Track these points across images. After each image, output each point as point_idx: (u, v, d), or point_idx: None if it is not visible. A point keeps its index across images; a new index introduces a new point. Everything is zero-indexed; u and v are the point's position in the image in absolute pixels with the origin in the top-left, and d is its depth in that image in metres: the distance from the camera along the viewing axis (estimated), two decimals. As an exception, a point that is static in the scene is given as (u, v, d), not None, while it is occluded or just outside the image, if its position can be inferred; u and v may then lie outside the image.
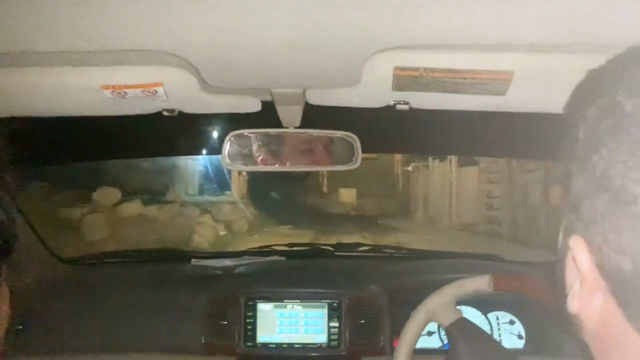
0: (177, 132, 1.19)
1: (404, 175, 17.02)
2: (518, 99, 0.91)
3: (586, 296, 0.47)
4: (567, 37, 0.73)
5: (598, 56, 0.79)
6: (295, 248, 2.06)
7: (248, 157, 1.03)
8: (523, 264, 1.72)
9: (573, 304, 0.49)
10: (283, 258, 1.83)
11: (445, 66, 0.83)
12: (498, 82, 0.85)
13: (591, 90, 0.47)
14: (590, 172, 0.43)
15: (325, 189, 16.67)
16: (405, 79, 0.87)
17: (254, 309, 1.49)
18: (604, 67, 0.48)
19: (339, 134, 1.08)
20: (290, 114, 1.03)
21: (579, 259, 0.46)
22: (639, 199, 0.39)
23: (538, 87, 0.87)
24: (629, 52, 0.47)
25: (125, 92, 0.89)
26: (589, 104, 0.45)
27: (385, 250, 2.03)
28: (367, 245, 2.09)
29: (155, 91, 0.89)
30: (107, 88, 0.88)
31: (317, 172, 13.67)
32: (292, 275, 1.64)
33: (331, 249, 2.06)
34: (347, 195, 16.24)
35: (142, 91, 0.89)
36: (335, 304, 1.48)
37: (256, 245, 2.05)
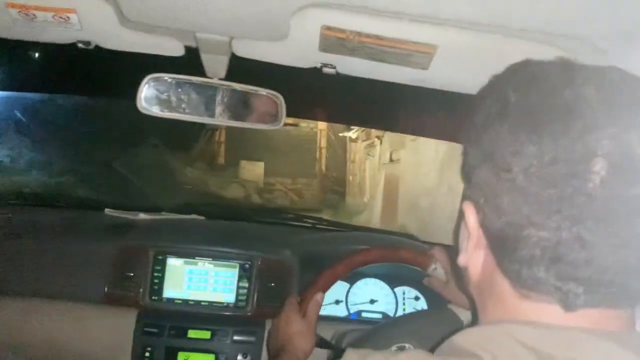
0: (92, 68, 1.12)
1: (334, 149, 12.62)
2: (440, 75, 0.92)
3: (471, 250, 0.57)
4: (488, 16, 0.74)
5: (517, 40, 0.82)
6: (215, 209, 2.04)
7: (165, 103, 0.99)
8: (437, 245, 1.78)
9: (462, 258, 0.59)
10: (202, 217, 1.80)
11: (372, 32, 0.83)
12: (422, 55, 0.86)
13: (489, 85, 0.59)
14: (480, 147, 0.54)
15: (221, 159, 12.64)
16: (332, 40, 0.86)
17: (162, 262, 1.46)
18: (502, 72, 0.59)
19: (264, 91, 1.06)
20: (215, 64, 1.00)
21: (468, 220, 0.57)
22: (513, 167, 0.49)
23: (459, 65, 0.89)
24: (521, 61, 0.58)
25: (34, 14, 0.82)
26: (486, 95, 0.57)
27: (307, 220, 2.05)
28: (290, 212, 2.10)
29: (68, 17, 0.83)
30: (13, 7, 0.81)
31: (212, 138, 11.93)
32: (207, 234, 1.62)
33: (252, 212, 2.06)
34: (251, 171, 12.25)
35: (53, 15, 0.83)
36: (247, 265, 1.48)
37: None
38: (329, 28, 0.83)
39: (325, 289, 1.26)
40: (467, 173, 0.57)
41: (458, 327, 1.09)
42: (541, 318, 0.52)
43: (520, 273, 0.51)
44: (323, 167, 12.43)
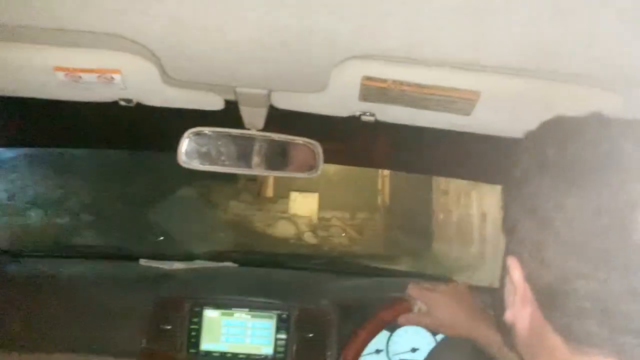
0: (133, 124, 1.14)
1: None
2: (483, 120, 0.91)
3: (518, 307, 0.56)
4: (533, 62, 0.73)
5: (561, 84, 0.80)
6: (248, 256, 2.02)
7: (206, 157, 1.00)
8: (477, 288, 1.72)
9: (508, 315, 0.58)
10: (236, 265, 1.78)
11: (413, 80, 0.82)
12: (464, 102, 0.84)
13: (526, 141, 0.59)
14: (521, 201, 0.55)
15: (267, 192, 10.82)
16: (372, 90, 0.85)
17: (199, 315, 1.44)
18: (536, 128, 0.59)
19: (301, 140, 1.06)
20: (254, 116, 1.00)
21: (513, 275, 0.56)
22: (555, 220, 0.49)
23: (502, 110, 0.87)
24: (554, 117, 0.59)
25: (79, 76, 0.84)
26: (522, 150, 0.58)
27: (340, 265, 2.02)
28: (323, 257, 2.07)
29: (112, 78, 0.85)
30: (60, 70, 0.83)
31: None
32: (242, 283, 1.60)
33: (285, 259, 2.03)
34: (304, 204, 10.19)
35: (98, 77, 0.85)
36: (284, 316, 1.45)
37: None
38: (369, 78, 0.82)
39: None
40: (509, 227, 0.58)
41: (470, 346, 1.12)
42: None
43: (570, 327, 0.50)
44: (387, 199, 9.95)
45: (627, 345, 0.47)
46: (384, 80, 0.82)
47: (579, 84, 0.78)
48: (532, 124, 0.92)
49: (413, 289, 1.23)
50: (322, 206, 9.90)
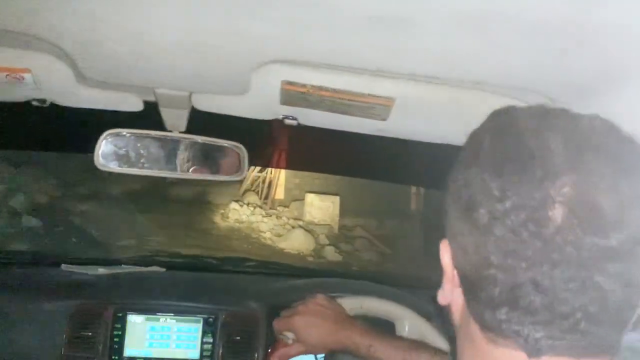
0: (47, 125, 1.09)
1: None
2: (399, 125, 0.94)
3: (448, 290, 0.58)
4: (443, 71, 0.76)
5: (472, 91, 0.85)
6: (176, 260, 1.98)
7: (124, 159, 0.97)
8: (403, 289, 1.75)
9: (440, 296, 0.59)
10: (163, 269, 1.74)
11: (332, 86, 0.84)
12: (380, 107, 0.87)
13: (474, 132, 0.58)
14: (453, 188, 0.55)
15: (278, 193, 8.85)
16: (292, 95, 0.87)
17: (122, 320, 1.40)
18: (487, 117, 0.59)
19: (225, 143, 1.05)
20: (175, 118, 0.99)
21: (443, 258, 0.58)
22: (478, 209, 0.50)
23: (417, 115, 0.91)
24: (503, 107, 0.58)
25: None
26: (469, 140, 0.58)
27: (272, 267, 2.01)
28: (255, 260, 2.06)
29: (23, 77, 0.81)
30: None
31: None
32: (168, 287, 1.57)
33: (215, 262, 2.01)
34: (322, 209, 8.01)
35: (6, 76, 0.81)
36: (211, 319, 1.43)
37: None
38: (289, 83, 0.83)
39: None
40: (444, 212, 0.58)
41: None
42: None
43: (483, 315, 0.52)
44: (422, 203, 7.92)
45: (531, 337, 0.49)
46: (304, 85, 0.84)
47: (485, 91, 0.83)
48: (445, 129, 0.97)
49: (276, 324, 1.21)
50: (343, 212, 8.12)
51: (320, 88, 0.84)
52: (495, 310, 0.50)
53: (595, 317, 0.47)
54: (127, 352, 1.39)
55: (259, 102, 0.91)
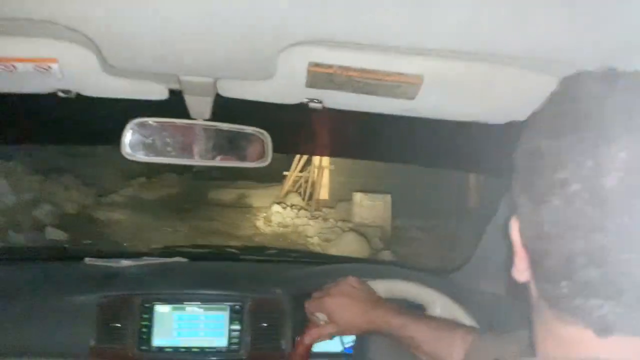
0: (73, 116, 1.10)
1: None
2: (427, 104, 0.93)
3: (520, 267, 0.56)
4: (472, 45, 0.75)
5: (504, 67, 0.83)
6: (199, 250, 1.99)
7: (151, 148, 0.97)
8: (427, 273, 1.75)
9: (513, 272, 0.58)
10: (186, 260, 1.76)
11: (358, 65, 0.83)
12: (408, 86, 0.86)
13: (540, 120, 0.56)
14: (521, 175, 0.54)
15: (322, 193, 8.17)
16: (319, 76, 0.86)
17: (150, 311, 1.41)
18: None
19: (249, 129, 1.05)
20: (200, 105, 0.99)
21: (513, 235, 0.57)
22: (533, 176, 0.50)
23: (445, 93, 0.90)
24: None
25: (14, 66, 0.80)
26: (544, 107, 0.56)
27: (292, 254, 2.02)
28: (274, 248, 2.07)
29: (50, 67, 0.81)
30: None
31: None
32: (193, 277, 1.58)
33: (237, 251, 2.02)
34: (371, 209, 7.37)
35: (34, 66, 0.81)
36: (237, 307, 1.44)
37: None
38: (316, 64, 0.83)
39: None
40: (515, 190, 0.57)
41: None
42: (578, 346, 0.50)
43: (547, 291, 0.51)
44: (478, 199, 7.10)
45: (595, 312, 0.47)
46: (330, 66, 0.83)
47: (516, 67, 0.81)
48: (474, 107, 0.95)
49: (308, 305, 1.23)
50: (395, 211, 7.43)
51: (347, 68, 0.83)
52: (556, 284, 0.49)
53: None
54: (156, 341, 1.41)
55: (284, 86, 0.91)
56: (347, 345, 1.55)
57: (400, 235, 7.38)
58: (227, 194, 8.48)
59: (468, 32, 0.72)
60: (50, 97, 0.93)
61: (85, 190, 8.11)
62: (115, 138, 0.98)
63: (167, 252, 1.82)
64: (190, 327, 1.43)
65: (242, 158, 1.08)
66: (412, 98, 0.90)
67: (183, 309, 1.43)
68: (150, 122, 0.97)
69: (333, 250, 6.50)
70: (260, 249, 1.97)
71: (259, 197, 8.48)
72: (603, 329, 0.48)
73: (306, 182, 8.70)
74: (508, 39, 0.72)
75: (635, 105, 0.47)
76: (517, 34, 0.70)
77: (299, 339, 1.26)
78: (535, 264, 0.53)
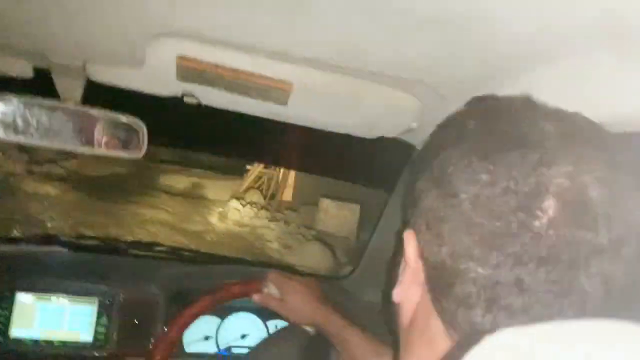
0: None
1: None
2: (299, 111, 0.95)
3: (407, 284, 0.53)
4: (342, 58, 0.77)
5: (370, 83, 0.87)
6: (82, 242, 1.90)
7: (11, 127, 0.92)
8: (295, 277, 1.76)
9: (396, 292, 0.55)
10: (65, 250, 1.67)
11: (229, 65, 0.84)
12: (279, 91, 0.88)
13: (449, 117, 0.58)
14: (430, 172, 0.51)
15: (285, 194, 7.77)
16: (189, 70, 0.86)
17: (10, 299, 1.33)
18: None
19: (124, 118, 1.02)
20: (69, 88, 0.95)
21: (407, 249, 0.53)
22: (461, 193, 0.46)
23: (316, 103, 0.92)
24: (484, 95, 0.58)
25: None
26: (443, 124, 0.58)
27: (181, 253, 1.98)
28: (165, 245, 2.01)
29: None
30: None
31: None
32: (65, 267, 1.50)
33: (124, 246, 1.95)
34: (338, 218, 6.93)
35: None
36: (107, 302, 1.39)
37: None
38: (185, 58, 0.82)
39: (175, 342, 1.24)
40: (413, 199, 0.54)
41: (307, 339, 1.20)
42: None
43: (456, 315, 0.47)
44: None
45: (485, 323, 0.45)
46: (200, 62, 0.83)
47: (384, 84, 0.85)
48: (344, 119, 0.99)
49: (273, 274, 1.26)
50: (362, 223, 6.84)
51: (217, 66, 0.84)
52: (472, 309, 0.45)
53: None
54: (14, 332, 1.32)
55: (155, 76, 0.90)
56: (222, 348, 1.55)
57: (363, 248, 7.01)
58: (180, 181, 7.63)
59: (336, 45, 0.74)
60: None
61: (15, 156, 7.09)
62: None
63: (46, 239, 1.72)
64: (53, 319, 1.35)
65: (115, 147, 1.04)
66: (284, 104, 0.92)
67: (48, 299, 1.36)
68: (12, 98, 0.92)
69: (293, 259, 5.87)
70: (150, 245, 1.91)
71: (215, 189, 7.67)
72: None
73: (270, 179, 8.06)
74: (377, 56, 0.75)
75: (567, 131, 0.47)
76: (386, 52, 0.73)
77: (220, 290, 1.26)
78: (442, 284, 0.49)
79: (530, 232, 0.43)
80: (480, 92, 0.77)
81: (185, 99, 0.96)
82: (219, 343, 1.55)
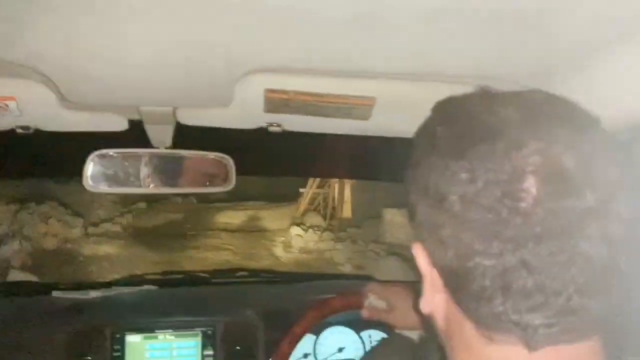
0: (33, 151, 1.09)
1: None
2: (381, 123, 0.96)
3: (430, 294, 0.55)
4: (419, 67, 0.79)
5: (450, 85, 0.87)
6: (168, 277, 1.98)
7: (113, 179, 0.98)
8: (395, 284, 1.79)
9: (422, 304, 0.56)
10: (155, 287, 1.74)
11: (313, 90, 0.86)
12: (362, 107, 0.90)
13: (422, 126, 0.59)
14: (416, 184, 0.54)
15: (344, 211, 7.47)
16: (276, 101, 0.88)
17: (121, 341, 1.40)
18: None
19: (212, 155, 1.07)
20: (160, 134, 1.00)
21: (419, 262, 0.55)
22: (448, 196, 0.48)
23: (398, 113, 0.93)
24: (444, 98, 0.60)
25: None
26: (416, 134, 0.59)
27: (262, 275, 2.02)
28: (245, 270, 2.06)
29: (7, 105, 0.82)
30: None
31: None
32: (163, 304, 1.57)
33: (207, 276, 2.01)
34: (403, 225, 6.28)
35: None
36: (209, 332, 1.44)
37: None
38: (272, 91, 0.85)
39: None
40: (411, 213, 0.56)
41: (411, 347, 1.16)
42: None
43: (478, 311, 0.49)
44: None
45: (530, 327, 0.46)
46: (286, 92, 0.86)
47: (459, 84, 0.85)
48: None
49: (373, 285, 1.28)
50: None
51: (302, 93, 0.86)
52: (491, 301, 0.47)
53: (586, 288, 0.45)
54: (128, 372, 1.39)
55: (243, 112, 0.93)
56: (322, 362, 1.57)
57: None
58: (236, 217, 7.47)
59: (414, 55, 0.76)
60: (9, 133, 0.93)
61: (70, 221, 7.03)
62: (77, 170, 0.99)
63: (135, 280, 1.80)
64: (162, 356, 1.41)
65: (207, 183, 1.09)
66: (367, 118, 0.94)
67: (155, 337, 1.42)
68: (111, 153, 0.97)
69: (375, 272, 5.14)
70: (231, 272, 1.96)
71: (272, 218, 7.49)
72: (534, 343, 0.47)
73: (326, 198, 7.80)
74: (449, 60, 0.76)
75: (527, 112, 0.49)
76: (457, 55, 0.74)
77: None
78: (459, 286, 0.50)
79: (519, 214, 0.45)
80: (550, 79, 0.78)
81: (270, 129, 0.98)
82: (318, 359, 1.57)
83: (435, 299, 0.55)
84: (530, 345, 0.47)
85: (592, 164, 0.46)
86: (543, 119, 0.48)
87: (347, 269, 6.04)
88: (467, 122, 0.51)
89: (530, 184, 0.45)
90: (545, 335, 0.46)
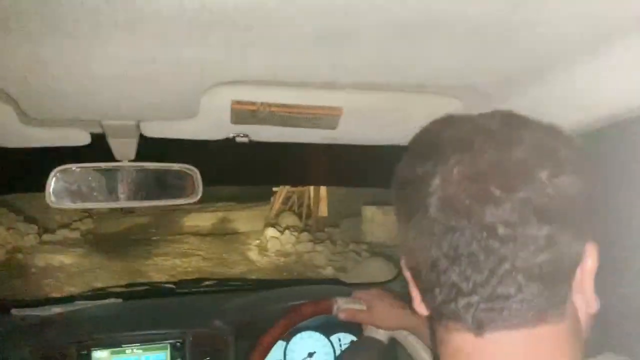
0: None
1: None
2: (348, 132, 0.98)
3: (417, 300, 0.59)
4: (384, 78, 0.80)
5: (414, 94, 0.89)
6: (133, 289, 1.94)
7: (76, 194, 0.96)
8: (364, 286, 1.80)
9: (414, 308, 0.60)
10: (119, 300, 1.70)
11: (280, 101, 0.86)
12: (329, 117, 0.91)
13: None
14: (395, 201, 0.59)
15: (321, 209, 7.15)
16: (243, 113, 0.88)
17: (88, 358, 1.36)
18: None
19: (177, 166, 1.06)
20: (124, 147, 0.98)
21: (404, 270, 0.61)
22: (428, 209, 0.52)
23: (364, 122, 0.95)
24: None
25: None
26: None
27: (230, 284, 2.00)
28: (211, 279, 2.04)
29: None
30: None
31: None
32: (129, 317, 1.54)
33: (173, 286, 1.98)
34: (385, 225, 6.11)
35: None
36: (178, 344, 1.42)
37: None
38: (239, 102, 0.85)
39: None
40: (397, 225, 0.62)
41: (380, 348, 1.24)
42: (464, 351, 0.54)
43: (430, 304, 0.56)
44: None
45: (469, 312, 0.50)
46: (253, 103, 0.86)
47: (425, 93, 0.88)
48: (392, 132, 1.01)
49: (358, 293, 1.32)
50: None
51: (269, 104, 0.86)
52: (432, 293, 0.53)
53: (508, 278, 0.49)
54: (96, 389, 1.36)
55: (209, 124, 0.92)
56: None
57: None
58: (206, 219, 7.06)
59: (380, 67, 0.77)
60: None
61: (23, 228, 6.47)
62: (40, 187, 0.96)
63: (98, 294, 1.76)
64: (131, 370, 1.39)
65: (173, 195, 1.08)
66: (334, 128, 0.95)
67: (122, 351, 1.39)
68: (73, 168, 0.95)
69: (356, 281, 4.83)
70: (196, 282, 1.93)
71: (245, 220, 7.13)
72: (478, 327, 0.51)
73: (300, 197, 7.40)
74: (416, 70, 0.78)
75: (463, 131, 0.55)
76: (423, 66, 0.76)
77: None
78: (416, 282, 0.58)
79: (442, 212, 0.51)
80: (524, 85, 0.81)
81: (237, 139, 0.98)
82: (290, 366, 1.57)
83: (422, 304, 0.59)
84: (475, 332, 0.51)
85: (511, 177, 0.50)
86: (474, 136, 0.53)
87: (329, 272, 5.73)
88: (419, 141, 0.60)
89: (450, 188, 0.51)
90: (487, 320, 0.50)
